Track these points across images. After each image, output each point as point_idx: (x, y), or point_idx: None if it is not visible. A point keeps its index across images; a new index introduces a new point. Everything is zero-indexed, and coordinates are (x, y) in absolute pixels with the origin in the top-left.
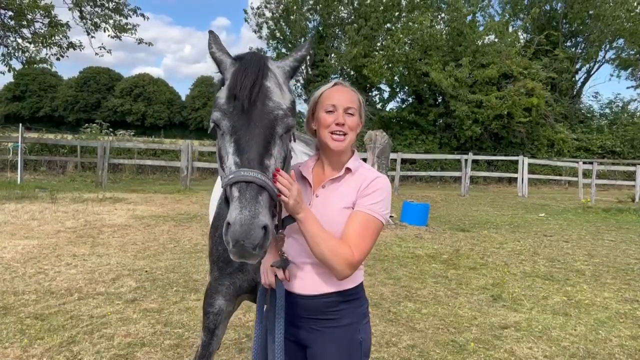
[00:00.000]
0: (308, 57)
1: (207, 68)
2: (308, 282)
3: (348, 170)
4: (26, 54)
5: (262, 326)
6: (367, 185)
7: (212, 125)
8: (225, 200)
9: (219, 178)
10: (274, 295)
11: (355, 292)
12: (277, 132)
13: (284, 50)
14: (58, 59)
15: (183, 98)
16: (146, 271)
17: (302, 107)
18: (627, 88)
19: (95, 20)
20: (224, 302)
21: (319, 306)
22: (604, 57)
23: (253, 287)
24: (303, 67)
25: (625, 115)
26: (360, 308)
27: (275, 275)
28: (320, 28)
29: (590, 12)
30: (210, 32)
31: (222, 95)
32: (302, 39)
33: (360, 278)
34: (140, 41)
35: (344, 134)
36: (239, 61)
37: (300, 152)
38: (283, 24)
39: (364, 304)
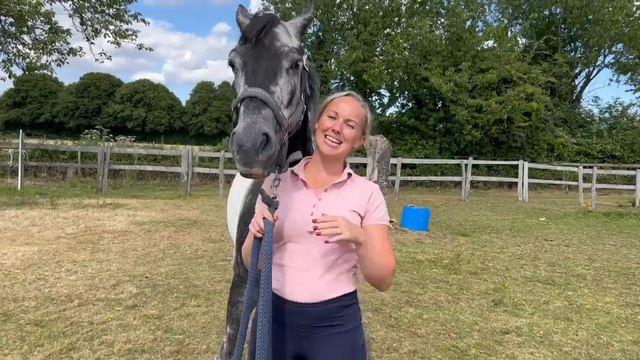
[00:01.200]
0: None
1: (208, 73)
2: (313, 289)
3: (349, 175)
4: (27, 60)
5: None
6: (369, 201)
7: (229, 66)
8: (234, 125)
9: (237, 174)
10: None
11: (354, 297)
12: (282, 64)
13: None
14: (59, 65)
15: (183, 104)
16: (146, 277)
17: None
18: (626, 92)
19: (95, 26)
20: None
21: (325, 313)
22: (603, 61)
23: None
24: None
25: (625, 119)
26: (359, 312)
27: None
28: (319, 33)
29: (589, 16)
30: (240, 5)
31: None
32: (302, 44)
33: (356, 283)
34: (140, 47)
35: (339, 142)
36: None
37: None
38: None
39: (359, 308)
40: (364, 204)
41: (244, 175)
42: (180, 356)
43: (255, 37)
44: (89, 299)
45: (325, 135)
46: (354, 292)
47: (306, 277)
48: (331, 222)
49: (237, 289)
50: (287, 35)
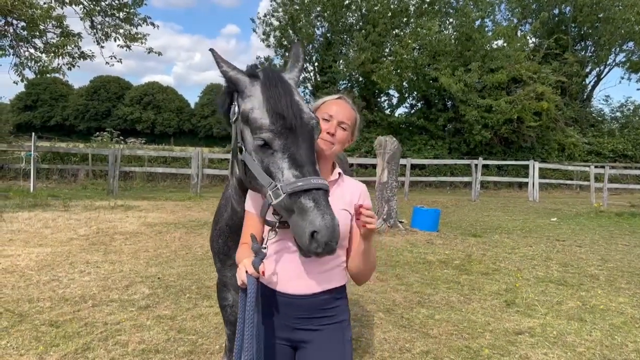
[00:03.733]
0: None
1: (217, 76)
2: (306, 283)
3: (339, 174)
4: (38, 64)
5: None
6: (359, 198)
7: (259, 144)
8: (286, 209)
9: (233, 179)
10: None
11: (344, 290)
12: (315, 139)
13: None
14: (69, 68)
15: (192, 106)
16: (159, 278)
17: None
18: (638, 90)
19: (105, 30)
20: (235, 293)
21: (318, 304)
22: (614, 60)
23: None
24: (312, 75)
25: (637, 118)
26: (347, 307)
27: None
28: (328, 35)
29: (600, 15)
30: (211, 50)
31: (260, 115)
32: (310, 46)
33: (346, 277)
34: (150, 51)
35: (332, 143)
36: (256, 79)
37: None
38: (290, 31)
39: (348, 303)
40: (354, 202)
41: (321, 257)
42: (194, 356)
43: (294, 117)
44: (102, 300)
45: (321, 137)
46: (344, 286)
47: (300, 271)
48: (373, 217)
49: (220, 293)
50: (302, 101)
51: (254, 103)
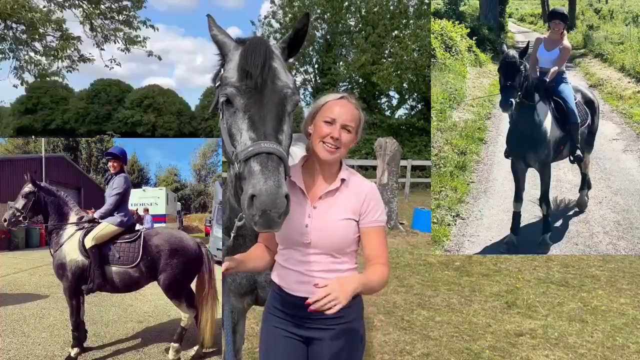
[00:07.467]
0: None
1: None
2: (310, 287)
3: (342, 181)
4: (38, 67)
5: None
6: (363, 203)
7: (222, 100)
8: (237, 177)
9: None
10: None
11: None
12: (287, 109)
13: (291, 60)
14: (69, 71)
15: (193, 108)
16: None
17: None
18: None
19: (105, 33)
20: (234, 299)
21: None
22: None
23: (253, 286)
24: (312, 77)
25: None
26: (360, 303)
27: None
28: (328, 37)
29: None
30: (208, 16)
31: (231, 74)
32: (310, 47)
33: None
34: (150, 54)
35: (336, 148)
36: (242, 44)
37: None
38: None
39: (362, 300)
40: (358, 207)
41: (261, 231)
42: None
43: (260, 77)
44: None
45: (323, 142)
46: None
47: (306, 278)
48: (327, 298)
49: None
50: (284, 71)
51: (231, 65)
